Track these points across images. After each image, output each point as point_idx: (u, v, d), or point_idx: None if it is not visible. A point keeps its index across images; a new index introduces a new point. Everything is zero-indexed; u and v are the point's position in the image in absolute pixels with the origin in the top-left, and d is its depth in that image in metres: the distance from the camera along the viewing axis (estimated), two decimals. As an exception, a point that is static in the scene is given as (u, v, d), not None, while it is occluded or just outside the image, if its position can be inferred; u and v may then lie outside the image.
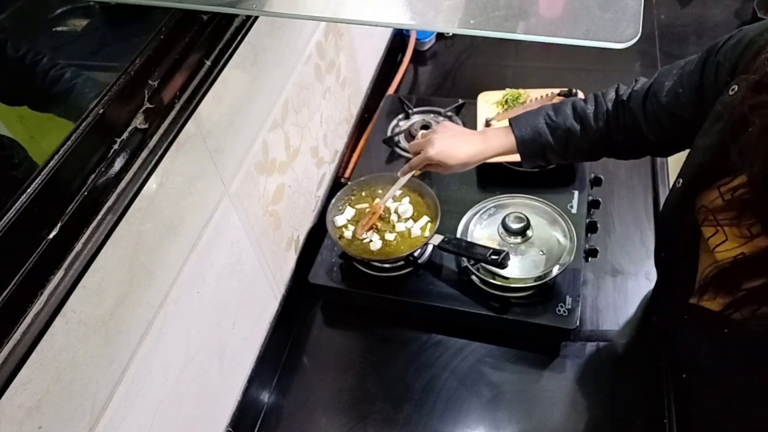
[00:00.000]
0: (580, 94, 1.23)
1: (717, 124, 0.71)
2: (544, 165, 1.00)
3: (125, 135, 0.60)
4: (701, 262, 0.77)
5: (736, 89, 0.67)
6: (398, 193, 1.16)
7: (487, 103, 1.33)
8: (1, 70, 0.67)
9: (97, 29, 0.75)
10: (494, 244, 1.05)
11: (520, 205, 1.12)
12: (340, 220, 1.14)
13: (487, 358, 1.06)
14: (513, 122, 0.94)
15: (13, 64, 0.67)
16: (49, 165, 0.53)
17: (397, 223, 1.12)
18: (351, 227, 1.13)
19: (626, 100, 0.87)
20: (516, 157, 1.22)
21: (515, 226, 1.04)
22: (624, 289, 1.13)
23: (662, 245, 0.91)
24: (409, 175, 1.05)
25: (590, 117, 0.89)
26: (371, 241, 1.09)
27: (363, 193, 1.18)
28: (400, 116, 1.44)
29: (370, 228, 1.11)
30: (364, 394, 1.05)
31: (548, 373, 1.03)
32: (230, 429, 0.96)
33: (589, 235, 1.13)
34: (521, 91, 1.33)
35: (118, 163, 0.59)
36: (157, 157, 0.64)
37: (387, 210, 1.14)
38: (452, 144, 0.96)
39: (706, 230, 0.72)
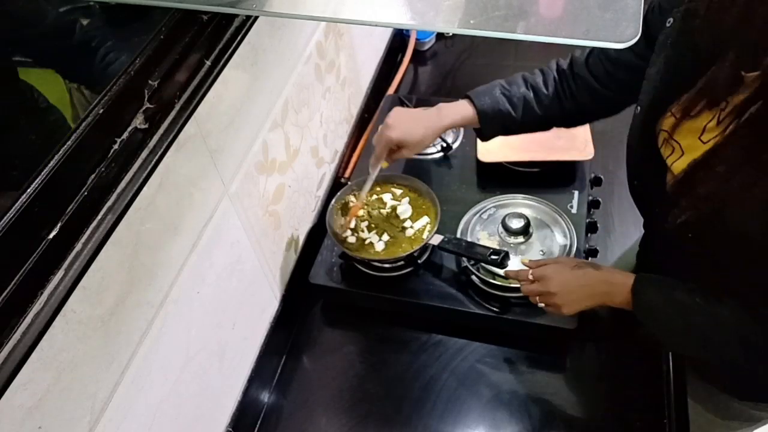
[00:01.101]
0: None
1: (662, 51, 0.79)
2: (498, 134, 1.04)
3: (125, 135, 0.60)
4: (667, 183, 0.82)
5: (672, 21, 0.77)
6: (399, 192, 1.16)
7: (487, 103, 1.33)
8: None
9: (97, 29, 0.74)
10: (494, 244, 1.05)
11: (520, 205, 1.12)
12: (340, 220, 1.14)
13: (487, 358, 1.06)
14: (471, 95, 1.00)
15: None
16: (49, 165, 0.53)
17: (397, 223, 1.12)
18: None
19: (568, 67, 0.96)
20: (516, 157, 1.22)
21: (515, 226, 1.04)
22: (624, 289, 1.12)
23: (633, 174, 0.95)
24: (378, 167, 1.05)
25: (540, 84, 0.97)
26: (371, 242, 1.09)
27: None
28: (400, 116, 1.44)
29: (350, 226, 1.11)
30: (364, 394, 1.05)
31: (548, 373, 1.03)
32: (230, 429, 0.96)
33: (589, 235, 1.13)
34: (521, 91, 1.33)
35: (118, 163, 0.59)
36: (157, 157, 0.64)
37: (387, 212, 1.14)
38: (407, 122, 1.01)
39: (664, 151, 0.78)
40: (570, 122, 1.04)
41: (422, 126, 1.00)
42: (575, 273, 0.90)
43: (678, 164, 0.76)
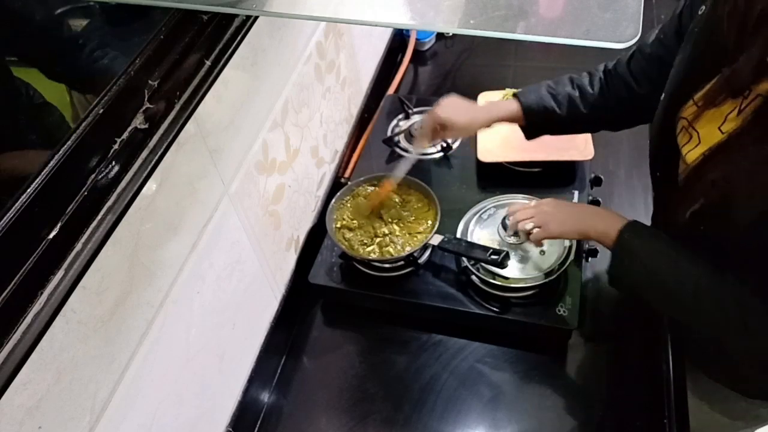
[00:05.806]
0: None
1: (691, 38, 0.80)
2: (544, 133, 1.06)
3: (125, 135, 0.60)
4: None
5: (704, 9, 0.78)
6: (398, 199, 1.16)
7: (487, 103, 1.33)
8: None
9: (97, 29, 0.74)
10: (494, 244, 1.05)
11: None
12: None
13: (487, 358, 1.06)
14: (518, 94, 1.02)
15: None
16: (49, 165, 0.54)
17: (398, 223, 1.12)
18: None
19: (612, 68, 0.99)
20: (516, 157, 1.22)
21: (515, 226, 1.04)
22: (624, 289, 1.12)
23: (654, 164, 0.96)
24: (420, 147, 1.10)
25: (586, 84, 0.99)
26: (370, 243, 1.09)
27: (363, 193, 1.18)
28: (400, 116, 1.44)
29: (378, 206, 1.12)
30: (364, 394, 1.05)
31: (548, 373, 1.03)
32: (230, 429, 0.96)
33: (589, 235, 1.13)
34: (521, 91, 1.33)
35: (118, 163, 0.59)
36: (157, 157, 0.64)
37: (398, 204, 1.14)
38: (457, 107, 1.05)
39: (681, 139, 0.80)
40: (615, 124, 1.06)
41: (470, 114, 1.04)
42: (571, 203, 0.96)
43: (693, 153, 0.77)
